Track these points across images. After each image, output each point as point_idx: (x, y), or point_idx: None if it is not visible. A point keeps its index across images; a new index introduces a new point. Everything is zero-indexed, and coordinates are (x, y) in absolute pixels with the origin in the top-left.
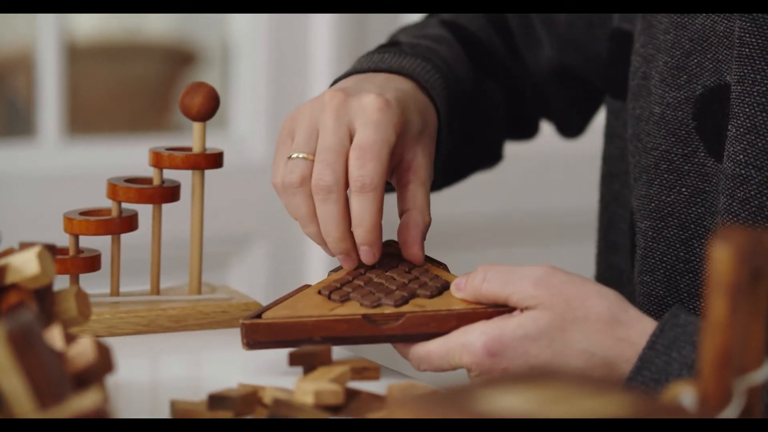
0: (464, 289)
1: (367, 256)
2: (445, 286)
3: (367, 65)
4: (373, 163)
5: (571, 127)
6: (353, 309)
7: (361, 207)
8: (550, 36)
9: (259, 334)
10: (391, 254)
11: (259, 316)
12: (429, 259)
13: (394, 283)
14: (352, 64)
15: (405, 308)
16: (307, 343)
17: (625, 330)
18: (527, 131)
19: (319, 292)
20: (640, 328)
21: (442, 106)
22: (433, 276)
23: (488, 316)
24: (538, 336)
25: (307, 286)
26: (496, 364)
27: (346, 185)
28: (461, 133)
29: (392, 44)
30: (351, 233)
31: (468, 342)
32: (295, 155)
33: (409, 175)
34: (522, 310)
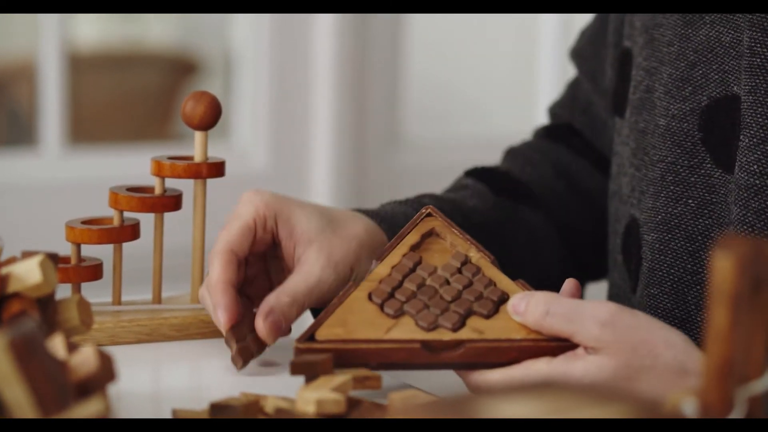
0: (524, 317)
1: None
2: (502, 298)
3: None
4: (223, 233)
5: None
6: (409, 330)
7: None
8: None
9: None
10: (441, 250)
11: (312, 337)
12: (478, 249)
13: (448, 292)
14: (351, 73)
15: (463, 334)
16: (359, 368)
17: (693, 380)
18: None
19: (370, 298)
20: None
21: (395, 221)
22: (487, 281)
23: (551, 350)
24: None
25: (354, 285)
26: None
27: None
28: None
29: None
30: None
31: None
32: None
33: (295, 267)
34: (586, 348)
